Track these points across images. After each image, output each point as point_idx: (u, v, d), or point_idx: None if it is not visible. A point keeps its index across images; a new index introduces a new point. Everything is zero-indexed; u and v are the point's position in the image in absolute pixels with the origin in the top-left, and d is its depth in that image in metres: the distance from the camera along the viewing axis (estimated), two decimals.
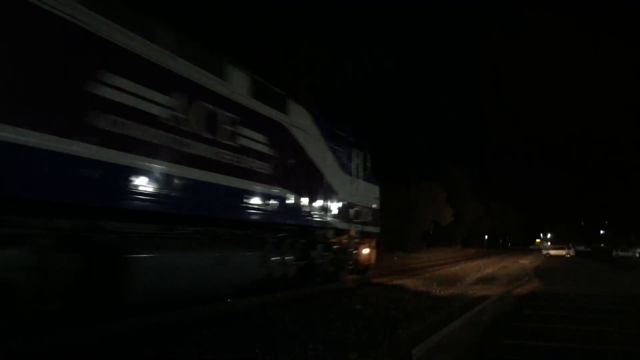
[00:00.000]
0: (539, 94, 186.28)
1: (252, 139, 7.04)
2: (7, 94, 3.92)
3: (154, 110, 5.23)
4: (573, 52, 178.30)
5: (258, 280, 7.28)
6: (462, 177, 68.72)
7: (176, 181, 5.54)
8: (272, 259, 7.66)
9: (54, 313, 4.40)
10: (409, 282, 13.23)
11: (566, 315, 8.41)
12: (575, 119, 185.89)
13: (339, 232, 10.16)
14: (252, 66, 8.10)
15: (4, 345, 3.95)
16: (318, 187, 9.19)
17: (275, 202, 7.64)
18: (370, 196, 12.02)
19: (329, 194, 9.62)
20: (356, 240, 11.11)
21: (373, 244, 12.26)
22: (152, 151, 5.20)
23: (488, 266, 24.40)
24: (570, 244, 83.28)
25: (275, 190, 7.64)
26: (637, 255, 78.01)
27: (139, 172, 5.06)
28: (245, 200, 6.89)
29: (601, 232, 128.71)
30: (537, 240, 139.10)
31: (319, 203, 9.21)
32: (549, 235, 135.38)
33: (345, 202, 10.41)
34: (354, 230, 10.82)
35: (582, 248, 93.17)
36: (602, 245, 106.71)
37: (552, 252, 65.25)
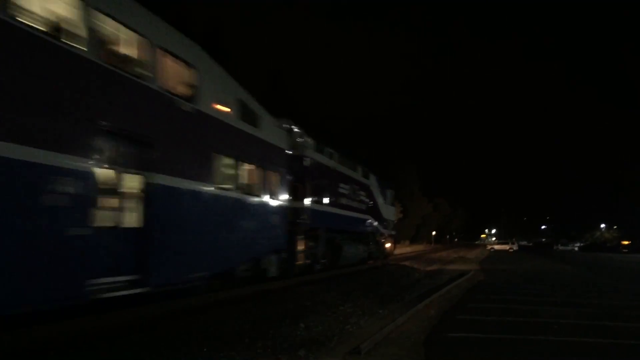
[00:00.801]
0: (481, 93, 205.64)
1: (360, 194, 17.58)
2: (334, 204, 14.18)
3: (345, 191, 15.46)
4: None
5: (361, 257, 17.36)
6: (410, 175, 78.30)
7: (348, 217, 15.87)
8: (364, 247, 17.73)
9: (323, 263, 14.59)
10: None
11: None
12: (521, 117, 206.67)
13: (381, 235, 20.58)
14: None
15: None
16: (377, 213, 20.34)
17: (367, 222, 18.28)
18: (392, 213, 22.70)
19: (379, 216, 21.06)
20: (386, 238, 21.62)
21: (392, 240, 22.84)
22: (344, 207, 15.49)
23: (448, 255, 36.91)
24: (514, 239, 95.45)
25: (367, 217, 18.23)
26: (576, 249, 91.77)
27: (342, 216, 15.27)
28: (360, 223, 17.47)
29: (543, 227, 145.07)
30: (483, 235, 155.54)
31: (377, 221, 19.93)
32: (493, 231, 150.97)
33: (384, 219, 21.12)
34: (386, 233, 21.38)
35: (524, 243, 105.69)
36: (544, 240, 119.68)
37: (497, 246, 76.89)
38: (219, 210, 9.92)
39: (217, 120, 9.94)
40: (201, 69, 9.31)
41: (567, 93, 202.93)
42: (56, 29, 6.07)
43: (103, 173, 6.79)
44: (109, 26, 7.05)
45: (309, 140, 14.62)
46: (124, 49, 7.63)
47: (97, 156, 6.61)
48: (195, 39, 9.45)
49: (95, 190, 6.56)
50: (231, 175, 10.42)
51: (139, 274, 7.61)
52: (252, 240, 11.13)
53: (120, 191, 7.40)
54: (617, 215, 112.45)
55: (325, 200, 15.73)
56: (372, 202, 21.22)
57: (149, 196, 7.78)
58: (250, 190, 11.13)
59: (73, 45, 6.21)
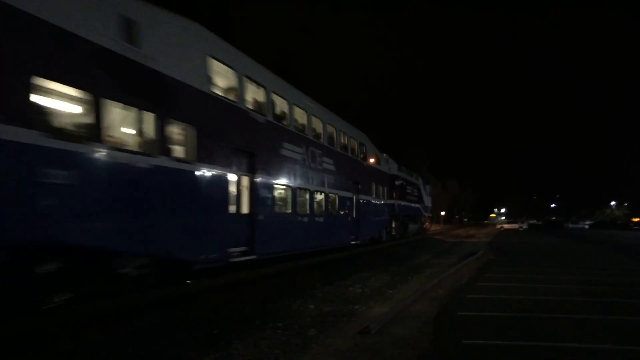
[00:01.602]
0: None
1: (415, 191, 32.92)
2: (404, 199, 29.90)
3: (409, 190, 30.97)
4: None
5: (415, 232, 32.29)
6: (420, 155, 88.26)
7: (410, 207, 32.89)
8: (416, 225, 32.70)
9: (401, 234, 30.98)
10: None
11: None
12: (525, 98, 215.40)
13: (423, 216, 34.82)
14: None
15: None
16: (422, 202, 34.52)
17: (418, 209, 33.09)
18: (429, 201, 38.16)
19: (423, 204, 35.31)
20: (426, 219, 34.11)
21: (429, 220, 36.59)
22: (408, 200, 32.37)
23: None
24: (523, 218, 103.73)
25: (417, 206, 32.55)
26: (586, 227, 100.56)
27: (408, 206, 33.19)
28: (415, 210, 32.27)
29: (552, 205, 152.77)
30: (492, 215, 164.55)
31: (422, 207, 33.97)
32: (503, 210, 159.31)
33: (426, 206, 35.97)
34: (426, 215, 35.44)
35: (534, 221, 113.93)
36: (554, 218, 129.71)
37: (506, 225, 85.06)
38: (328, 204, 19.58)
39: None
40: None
41: (576, 71, 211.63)
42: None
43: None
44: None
45: (394, 163, 29.22)
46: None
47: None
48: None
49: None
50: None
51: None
52: (377, 223, 25.50)
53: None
54: (627, 193, 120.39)
55: (402, 198, 30.01)
56: (420, 195, 35.70)
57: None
58: (370, 192, 25.40)
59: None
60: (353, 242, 20.95)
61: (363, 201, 22.40)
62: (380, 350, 6.49)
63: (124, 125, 9.13)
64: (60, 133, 7.42)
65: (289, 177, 15.37)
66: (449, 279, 13.55)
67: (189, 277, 11.17)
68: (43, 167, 7.01)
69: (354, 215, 21.20)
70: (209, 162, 10.87)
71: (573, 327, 7.95)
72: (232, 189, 12.03)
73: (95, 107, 8.01)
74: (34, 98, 7.01)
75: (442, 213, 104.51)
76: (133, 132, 9.09)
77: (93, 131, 7.95)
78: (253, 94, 13.84)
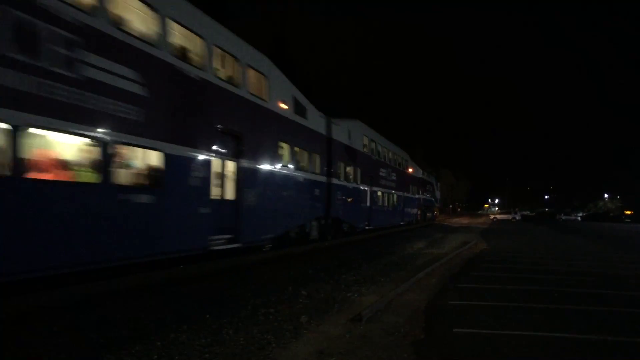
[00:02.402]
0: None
1: (429, 187, 46.13)
2: (425, 194, 43.30)
3: (428, 188, 43.60)
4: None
5: (430, 218, 46.89)
6: (414, 146, 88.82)
7: (428, 199, 45.57)
8: (430, 213, 46.97)
9: (422, 220, 42.56)
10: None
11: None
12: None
13: (434, 207, 47.67)
14: None
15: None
16: (434, 195, 48.85)
17: (431, 201, 45.69)
18: (438, 194, 54.21)
19: (435, 196, 49.93)
20: (436, 208, 48.24)
21: (438, 209, 51.76)
22: (427, 195, 45.81)
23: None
24: (517, 209, 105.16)
25: (431, 198, 46.48)
26: (579, 219, 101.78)
27: (426, 199, 46.35)
28: (430, 202, 45.62)
29: (546, 197, 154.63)
30: (486, 205, 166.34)
31: (434, 199, 47.15)
32: (496, 201, 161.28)
33: (437, 198, 50.88)
34: (436, 205, 50.41)
35: (527, 212, 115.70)
36: (547, 209, 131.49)
37: (499, 216, 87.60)
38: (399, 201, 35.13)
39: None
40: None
41: (573, 62, 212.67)
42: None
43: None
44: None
45: (419, 168, 42.10)
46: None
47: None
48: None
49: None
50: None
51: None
52: (407, 213, 37.92)
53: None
54: (620, 186, 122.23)
55: (423, 193, 43.31)
56: (433, 191, 48.25)
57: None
58: (409, 191, 38.65)
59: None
60: (402, 223, 36.30)
61: (406, 197, 37.31)
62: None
63: (351, 173, 25.30)
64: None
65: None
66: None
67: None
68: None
69: (402, 206, 36.36)
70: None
71: (564, 316, 8.40)
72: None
73: (347, 168, 24.90)
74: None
75: None
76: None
77: (348, 177, 24.74)
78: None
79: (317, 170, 20.03)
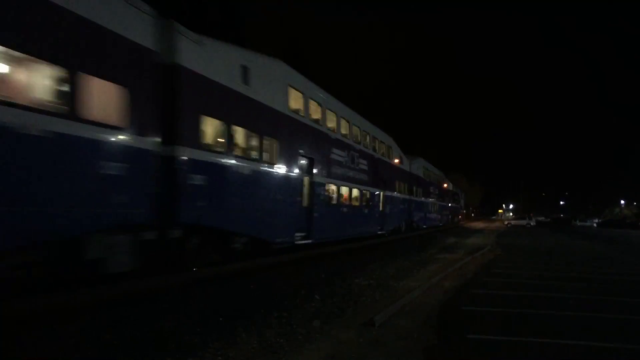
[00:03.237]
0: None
1: (456, 197, 59.58)
2: (452, 202, 59.84)
3: (455, 197, 49.50)
4: None
5: (458, 221, 55.55)
6: (428, 149, 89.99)
7: (455, 207, 44.78)
8: (457, 217, 58.90)
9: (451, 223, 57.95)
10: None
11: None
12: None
13: (460, 212, 48.78)
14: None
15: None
16: (459, 203, 64.67)
17: (458, 208, 55.34)
18: (462, 203, 64.69)
19: (460, 205, 66.14)
20: (461, 213, 45.40)
21: (463, 215, 54.84)
22: (454, 203, 59.78)
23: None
24: (531, 215, 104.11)
25: (458, 206, 56.42)
26: (595, 225, 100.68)
27: (455, 207, 59.72)
28: (456, 209, 45.24)
29: (561, 202, 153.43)
30: (500, 210, 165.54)
31: (460, 207, 55.58)
32: (510, 206, 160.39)
33: (461, 205, 59.35)
34: (461, 212, 43.95)
35: (542, 218, 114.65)
36: (562, 215, 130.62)
37: (513, 222, 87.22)
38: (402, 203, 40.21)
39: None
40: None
41: (588, 69, 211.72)
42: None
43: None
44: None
45: (450, 183, 55.78)
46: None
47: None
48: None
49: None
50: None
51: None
52: (444, 217, 54.79)
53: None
54: (637, 192, 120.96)
55: (454, 203, 58.92)
56: (459, 199, 65.03)
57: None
58: (444, 201, 54.01)
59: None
60: (440, 224, 51.65)
61: (442, 205, 53.83)
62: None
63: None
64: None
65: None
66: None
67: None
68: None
69: (440, 211, 52.22)
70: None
71: (575, 324, 8.60)
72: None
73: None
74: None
75: None
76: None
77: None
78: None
79: (402, 189, 36.29)
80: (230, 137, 13.57)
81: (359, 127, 26.10)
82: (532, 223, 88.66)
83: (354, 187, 24.48)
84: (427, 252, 21.36)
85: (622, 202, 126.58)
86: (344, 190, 23.03)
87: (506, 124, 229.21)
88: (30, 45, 8.08)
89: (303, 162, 18.38)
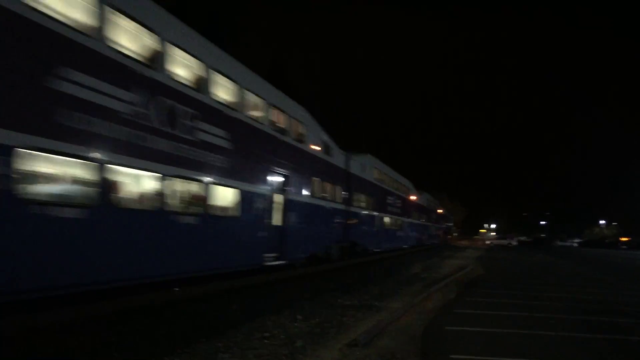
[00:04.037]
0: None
1: (448, 219, 46.41)
2: (445, 224, 69.41)
3: (446, 220, 40.06)
4: None
5: (445, 240, 62.89)
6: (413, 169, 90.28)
7: (448, 226, 42.84)
8: (447, 236, 60.54)
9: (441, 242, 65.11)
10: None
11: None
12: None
13: (451, 232, 48.17)
14: None
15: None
16: (449, 223, 66.98)
17: (448, 227, 45.38)
18: (452, 223, 69.41)
19: (450, 225, 64.87)
20: (449, 233, 46.64)
21: (452, 235, 58.64)
22: (446, 223, 41.79)
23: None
24: (512, 235, 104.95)
25: (450, 225, 45.98)
26: (575, 245, 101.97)
27: (448, 226, 49.99)
28: (447, 228, 42.75)
29: (542, 223, 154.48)
30: (482, 230, 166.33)
31: (448, 228, 47.67)
32: (492, 226, 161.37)
33: (451, 226, 54.29)
34: (451, 232, 46.89)
35: (523, 238, 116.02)
36: (543, 235, 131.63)
37: (495, 242, 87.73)
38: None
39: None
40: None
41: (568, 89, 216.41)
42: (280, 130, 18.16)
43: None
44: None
45: (439, 205, 61.93)
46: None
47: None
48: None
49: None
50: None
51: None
52: (436, 236, 59.22)
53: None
54: (616, 212, 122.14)
55: (445, 223, 64.48)
56: (450, 220, 73.95)
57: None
58: (438, 222, 60.42)
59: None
60: (427, 243, 53.57)
61: (434, 226, 58.13)
62: None
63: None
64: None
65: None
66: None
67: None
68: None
69: (429, 232, 54.25)
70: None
71: (558, 345, 8.69)
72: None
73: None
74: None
75: None
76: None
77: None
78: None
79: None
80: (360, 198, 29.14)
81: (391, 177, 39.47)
82: (514, 243, 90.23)
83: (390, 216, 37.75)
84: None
85: (602, 222, 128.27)
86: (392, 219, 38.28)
87: (487, 142, 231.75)
88: (333, 180, 23.54)
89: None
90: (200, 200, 12.32)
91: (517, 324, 10.28)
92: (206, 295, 11.90)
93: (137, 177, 10.58)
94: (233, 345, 7.61)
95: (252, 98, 15.40)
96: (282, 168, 17.12)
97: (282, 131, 17.64)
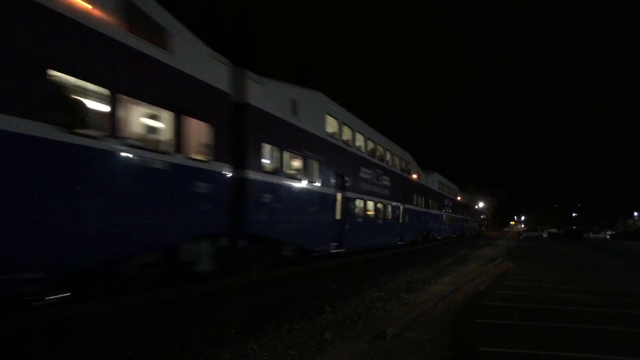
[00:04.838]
0: None
1: (481, 212, 47.92)
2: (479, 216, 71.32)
3: (480, 212, 46.32)
4: None
5: (481, 230, 62.42)
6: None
7: (483, 219, 50.47)
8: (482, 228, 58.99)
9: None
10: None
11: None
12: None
13: (484, 224, 50.53)
14: None
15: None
16: (479, 216, 63.84)
17: (483, 220, 48.98)
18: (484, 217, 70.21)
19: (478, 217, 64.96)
20: (484, 224, 50.09)
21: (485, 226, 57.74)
22: (482, 216, 46.54)
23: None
24: (543, 227, 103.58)
25: (473, 218, 63.62)
26: (608, 237, 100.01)
27: (482, 219, 49.72)
28: (482, 220, 42.21)
29: (574, 214, 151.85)
30: (512, 222, 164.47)
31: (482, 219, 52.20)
32: (522, 218, 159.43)
33: (484, 218, 52.91)
34: (485, 223, 49.93)
35: (554, 230, 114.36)
36: (574, 227, 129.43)
37: (525, 234, 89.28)
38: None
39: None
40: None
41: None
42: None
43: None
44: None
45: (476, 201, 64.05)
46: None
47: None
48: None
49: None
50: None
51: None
52: (471, 228, 63.41)
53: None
54: None
55: (480, 216, 67.88)
56: (482, 214, 73.08)
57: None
58: (474, 216, 64.63)
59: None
60: (467, 234, 59.15)
61: (472, 219, 62.73)
62: None
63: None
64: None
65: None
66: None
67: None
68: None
69: (468, 224, 59.63)
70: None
71: (592, 337, 8.47)
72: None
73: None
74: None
75: None
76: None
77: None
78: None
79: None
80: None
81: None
82: (545, 235, 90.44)
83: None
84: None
85: (636, 213, 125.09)
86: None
87: (518, 135, 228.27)
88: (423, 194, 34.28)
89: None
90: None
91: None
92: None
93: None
94: (262, 335, 7.61)
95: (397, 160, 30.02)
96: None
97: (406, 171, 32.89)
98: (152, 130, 10.90)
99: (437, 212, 44.21)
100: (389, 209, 28.20)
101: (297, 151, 16.91)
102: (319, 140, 18.85)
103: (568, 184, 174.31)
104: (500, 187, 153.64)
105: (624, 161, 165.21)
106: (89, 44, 8.63)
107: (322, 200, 18.62)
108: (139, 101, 10.15)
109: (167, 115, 10.92)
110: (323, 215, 18.67)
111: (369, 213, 24.63)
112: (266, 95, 14.86)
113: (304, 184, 17.07)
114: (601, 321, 9.46)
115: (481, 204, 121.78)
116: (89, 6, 8.61)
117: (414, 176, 34.70)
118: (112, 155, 9.09)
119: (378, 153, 26.89)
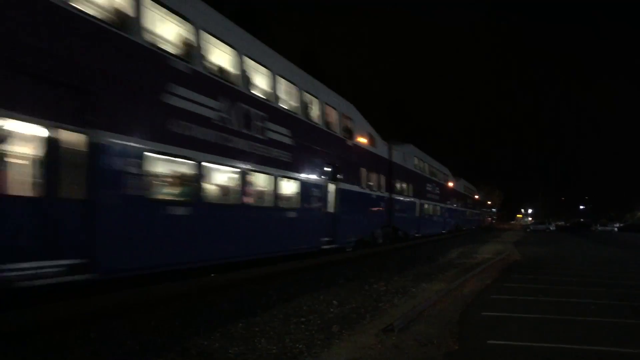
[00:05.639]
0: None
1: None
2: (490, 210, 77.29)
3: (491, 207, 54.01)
4: None
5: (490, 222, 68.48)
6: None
7: (492, 211, 53.35)
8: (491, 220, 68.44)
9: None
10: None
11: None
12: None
13: (493, 216, 54.72)
14: None
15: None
16: (492, 209, 57.87)
17: (492, 212, 49.46)
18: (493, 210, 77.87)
19: (483, 210, 70.29)
20: (492, 217, 51.95)
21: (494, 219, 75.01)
22: (492, 209, 46.74)
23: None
24: (550, 220, 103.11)
25: (472, 210, 63.22)
26: (616, 229, 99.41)
27: (492, 211, 56.46)
28: (491, 212, 46.10)
29: (581, 207, 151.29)
30: (519, 215, 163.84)
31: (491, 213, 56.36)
32: (529, 211, 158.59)
33: (494, 212, 61.17)
34: (493, 216, 51.39)
35: (561, 223, 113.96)
36: (582, 220, 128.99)
37: (533, 227, 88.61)
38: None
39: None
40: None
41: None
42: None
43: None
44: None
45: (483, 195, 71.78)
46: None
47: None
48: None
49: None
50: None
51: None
52: (480, 221, 69.10)
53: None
54: None
55: (488, 209, 72.43)
56: (486, 207, 76.31)
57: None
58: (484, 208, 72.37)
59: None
60: (474, 227, 61.51)
61: (470, 211, 60.50)
62: None
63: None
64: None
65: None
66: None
67: None
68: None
69: (465, 217, 59.72)
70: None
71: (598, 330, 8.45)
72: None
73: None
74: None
75: None
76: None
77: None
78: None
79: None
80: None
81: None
82: (552, 228, 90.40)
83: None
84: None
85: None
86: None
87: (525, 129, 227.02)
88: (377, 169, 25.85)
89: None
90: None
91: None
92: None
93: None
94: (270, 329, 7.65)
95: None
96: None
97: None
98: (371, 180, 23.66)
99: (463, 209, 60.07)
100: (438, 208, 42.59)
101: (405, 181, 31.50)
102: (411, 172, 33.45)
103: (575, 177, 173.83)
104: (508, 181, 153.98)
105: (631, 154, 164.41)
106: (368, 155, 23.32)
107: (414, 206, 33.14)
108: (370, 171, 23.36)
109: (375, 175, 24.40)
110: (423, 213, 35.80)
111: (431, 213, 39.66)
112: (397, 155, 29.33)
113: (408, 199, 32.02)
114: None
115: (490, 201, 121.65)
116: (366, 140, 22.72)
117: (451, 184, 48.40)
118: (364, 194, 22.47)
119: (432, 171, 41.42)
